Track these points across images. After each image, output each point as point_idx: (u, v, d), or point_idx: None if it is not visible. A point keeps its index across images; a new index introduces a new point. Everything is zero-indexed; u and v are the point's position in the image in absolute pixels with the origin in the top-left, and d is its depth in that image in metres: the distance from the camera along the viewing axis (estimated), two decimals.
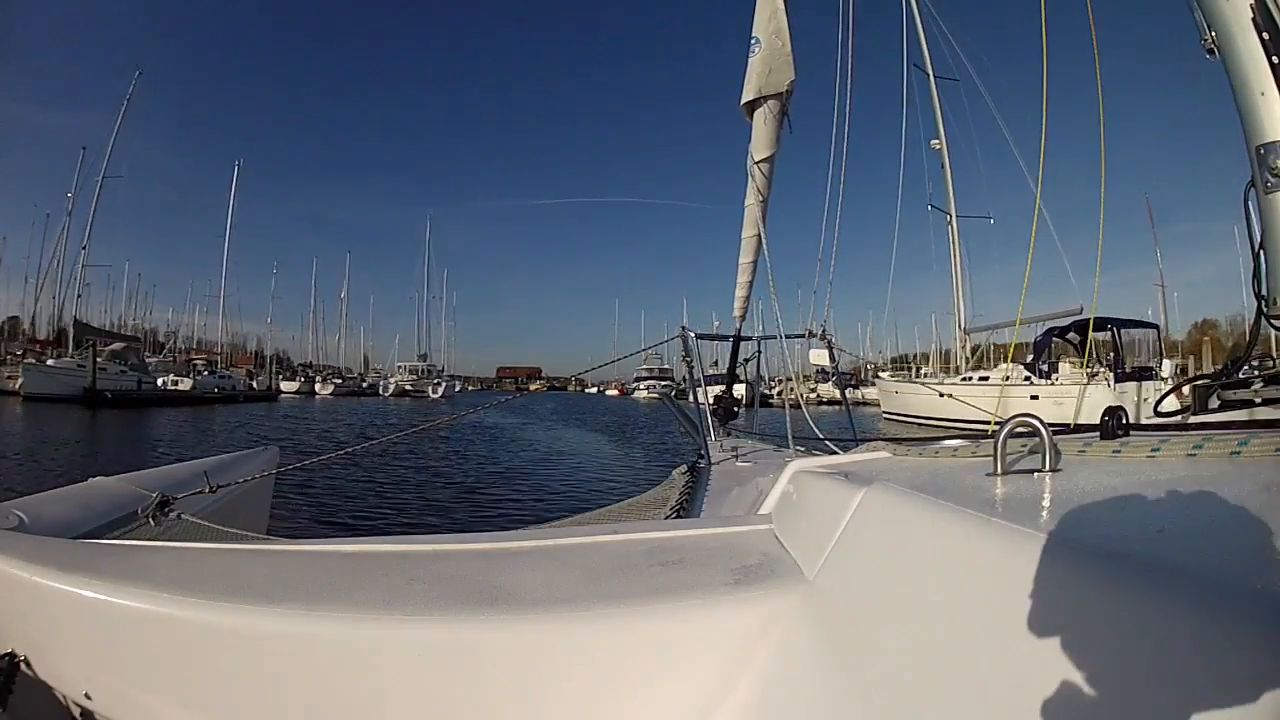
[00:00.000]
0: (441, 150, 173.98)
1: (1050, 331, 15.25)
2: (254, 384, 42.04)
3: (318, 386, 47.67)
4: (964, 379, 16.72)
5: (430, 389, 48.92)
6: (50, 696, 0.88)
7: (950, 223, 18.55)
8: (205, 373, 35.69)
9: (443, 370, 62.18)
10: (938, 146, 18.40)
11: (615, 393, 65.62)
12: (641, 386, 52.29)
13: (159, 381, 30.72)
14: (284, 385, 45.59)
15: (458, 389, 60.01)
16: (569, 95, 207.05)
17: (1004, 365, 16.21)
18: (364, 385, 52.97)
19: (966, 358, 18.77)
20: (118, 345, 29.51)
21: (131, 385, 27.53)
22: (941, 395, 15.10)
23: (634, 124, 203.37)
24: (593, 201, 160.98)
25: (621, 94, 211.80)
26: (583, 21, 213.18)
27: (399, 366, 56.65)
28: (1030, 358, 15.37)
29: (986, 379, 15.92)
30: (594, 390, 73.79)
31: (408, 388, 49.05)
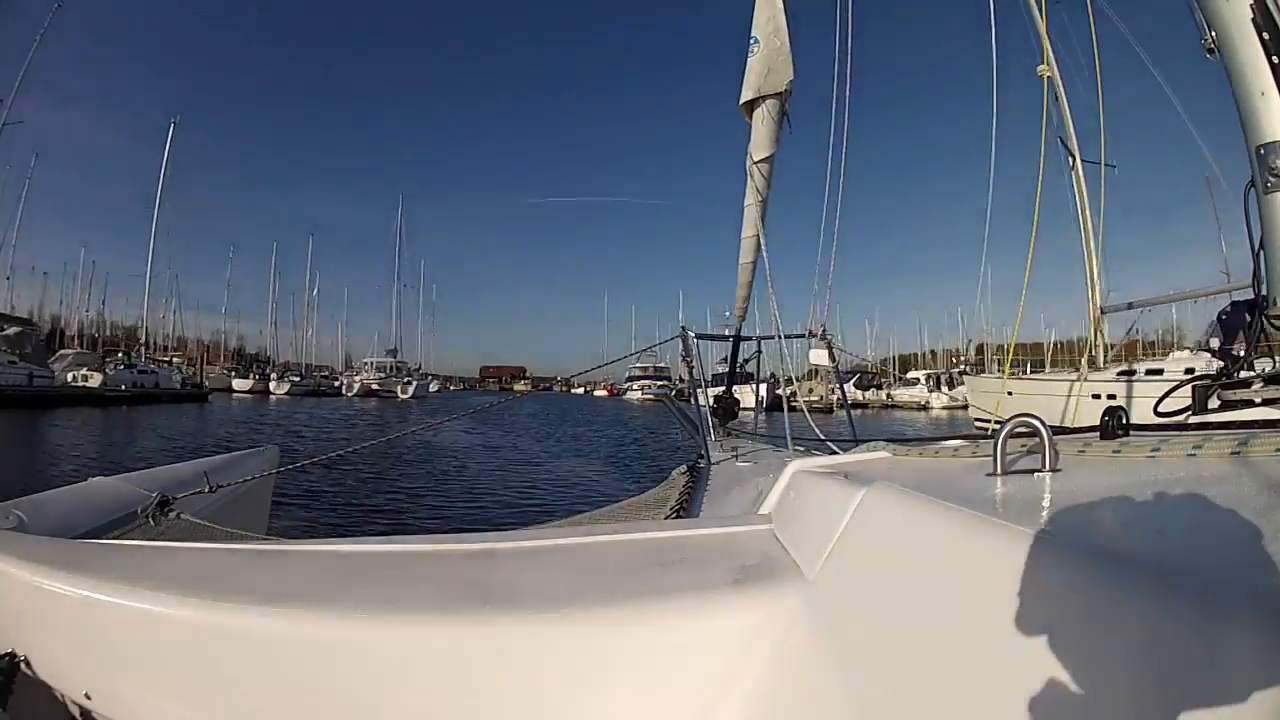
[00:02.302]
0: (429, 149, 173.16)
1: (1241, 305, 9.91)
2: (206, 380, 37.65)
3: (272, 385, 41.45)
4: (1122, 374, 11.86)
5: (399, 389, 43.89)
6: (50, 696, 0.88)
7: (1074, 167, 13.09)
8: (122, 366, 29.61)
9: (418, 368, 56.18)
10: (1047, 74, 14.65)
11: (604, 393, 61.63)
12: (634, 387, 47.79)
13: (69, 376, 25.89)
14: (236, 383, 40.83)
15: (436, 389, 55.58)
16: (563, 94, 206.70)
17: (1180, 354, 12.35)
18: (335, 384, 46.91)
19: (1107, 345, 13.52)
20: (11, 330, 23.71)
21: (20, 380, 22.15)
22: (1097, 397, 10.98)
23: (629, 124, 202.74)
24: (586, 201, 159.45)
25: (618, 93, 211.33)
26: (578, 19, 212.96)
27: (365, 363, 50.44)
28: (1216, 342, 10.85)
29: (1159, 372, 11.43)
30: (580, 391, 69.82)
31: (374, 387, 43.60)
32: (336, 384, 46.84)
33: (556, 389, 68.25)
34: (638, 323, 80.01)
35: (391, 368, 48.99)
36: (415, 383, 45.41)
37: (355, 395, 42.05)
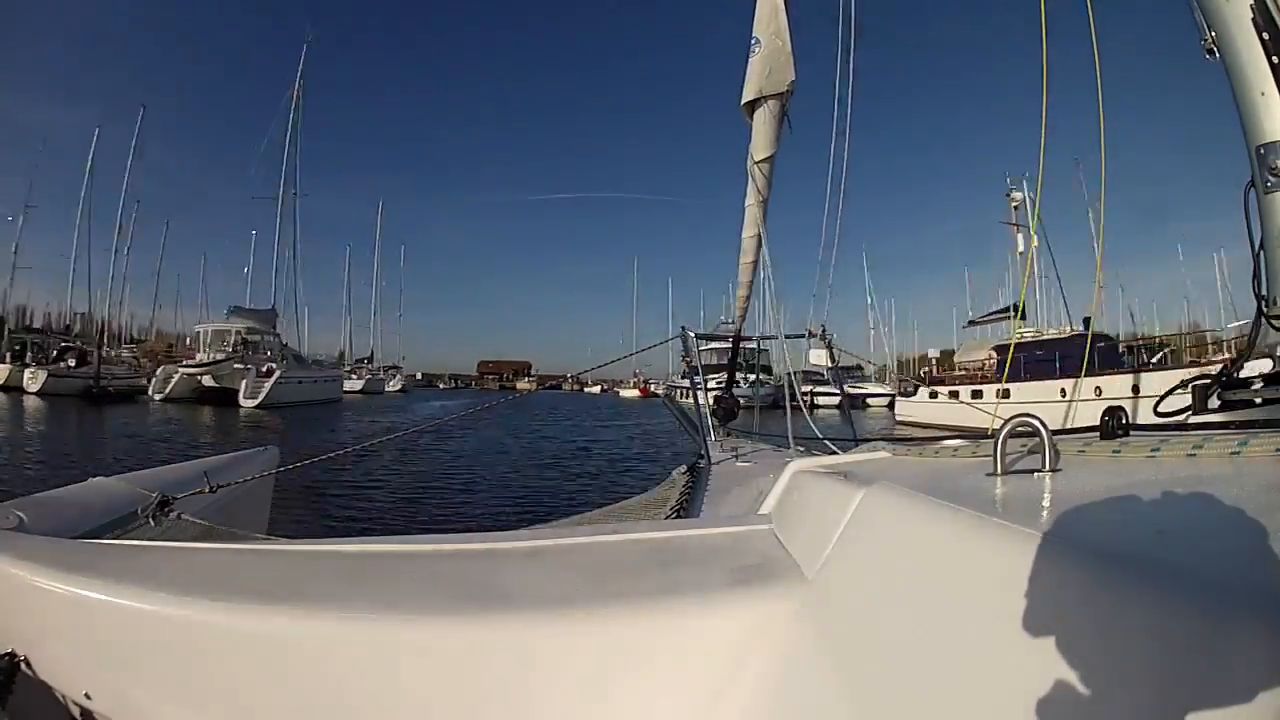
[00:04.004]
0: (427, 141, 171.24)
1: None
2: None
3: (27, 378, 23.79)
4: None
5: (245, 386, 22.90)
6: (50, 696, 0.88)
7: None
8: None
9: (369, 357, 40.32)
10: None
11: (636, 393, 45.71)
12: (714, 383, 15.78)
13: None
14: None
15: (398, 386, 40.56)
16: (567, 91, 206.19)
17: None
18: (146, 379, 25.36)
19: None
20: None
21: None
22: None
23: (643, 120, 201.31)
24: (597, 197, 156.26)
25: (622, 92, 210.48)
26: (579, 17, 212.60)
27: (199, 332, 27.43)
28: None
29: None
30: (596, 390, 58.53)
31: (206, 383, 23.48)
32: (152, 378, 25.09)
33: (566, 388, 58.43)
34: (677, 300, 63.04)
35: (240, 342, 25.40)
36: (273, 378, 23.60)
37: (169, 398, 23.40)
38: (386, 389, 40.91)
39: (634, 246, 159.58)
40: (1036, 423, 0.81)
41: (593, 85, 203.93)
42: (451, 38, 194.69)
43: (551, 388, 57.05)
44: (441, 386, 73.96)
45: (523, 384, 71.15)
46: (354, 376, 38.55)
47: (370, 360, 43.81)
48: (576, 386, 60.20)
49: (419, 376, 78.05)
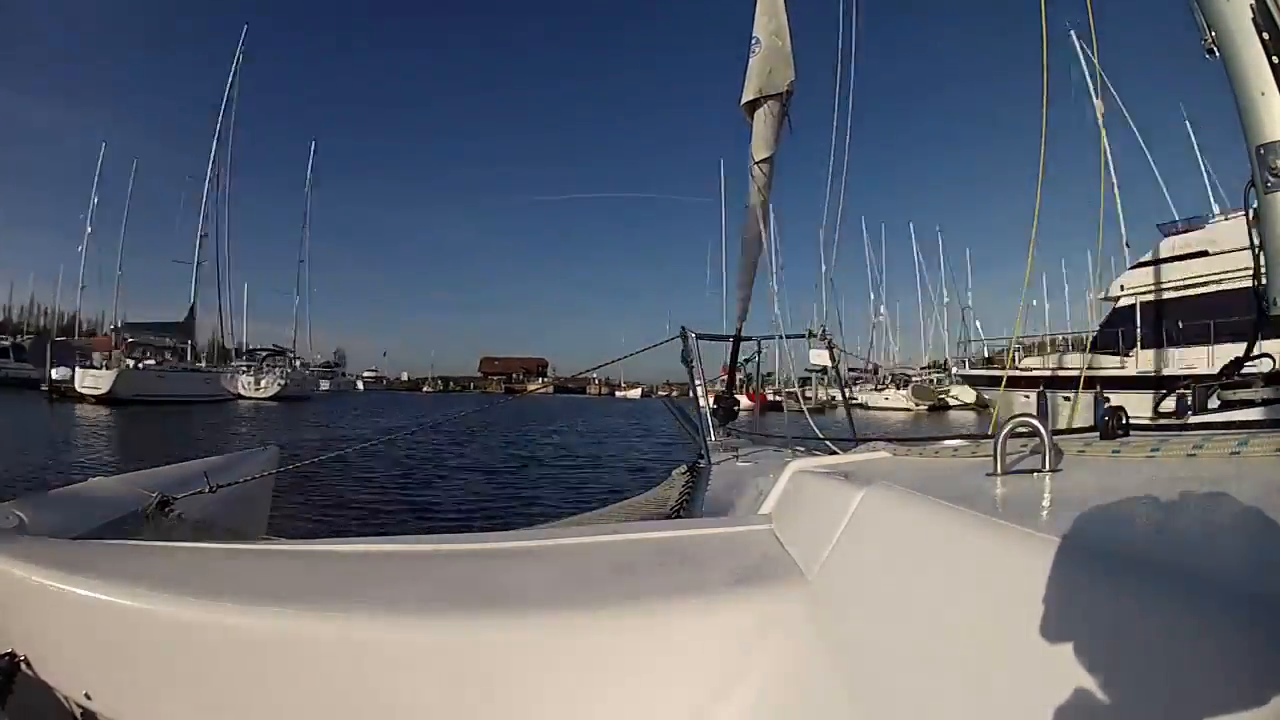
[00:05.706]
0: (439, 146, 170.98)
1: None
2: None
3: None
4: None
5: None
6: (50, 696, 0.88)
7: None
8: None
9: (194, 332, 22.84)
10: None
11: (743, 401, 13.91)
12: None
13: None
14: None
15: (269, 392, 24.74)
16: (570, 94, 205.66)
17: None
18: None
19: None
20: None
21: None
22: None
23: (651, 118, 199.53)
24: (612, 197, 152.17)
25: (628, 92, 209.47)
26: (580, 18, 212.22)
27: None
28: None
29: None
30: (635, 395, 48.84)
31: None
32: None
33: (591, 390, 47.93)
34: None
35: None
36: None
37: None
38: (249, 392, 23.79)
39: (658, 244, 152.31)
40: (1036, 423, 0.81)
41: (592, 87, 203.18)
42: (458, 40, 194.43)
43: (573, 390, 44.06)
44: (426, 389, 61.51)
45: (535, 386, 56.25)
46: (102, 366, 21.09)
47: (188, 334, 22.47)
48: (606, 390, 49.82)
49: (404, 378, 69.22)
